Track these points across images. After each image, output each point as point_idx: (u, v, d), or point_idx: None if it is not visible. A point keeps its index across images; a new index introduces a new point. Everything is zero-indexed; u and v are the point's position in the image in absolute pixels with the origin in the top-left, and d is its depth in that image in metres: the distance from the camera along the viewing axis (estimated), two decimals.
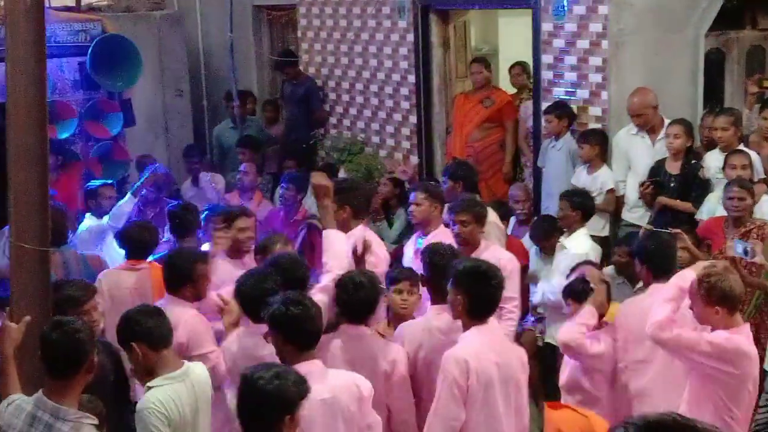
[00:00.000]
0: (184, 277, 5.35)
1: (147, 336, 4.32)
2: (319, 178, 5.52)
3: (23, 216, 4.47)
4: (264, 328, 4.53)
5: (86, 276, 6.25)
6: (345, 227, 5.81)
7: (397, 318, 5.47)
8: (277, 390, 3.67)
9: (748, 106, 8.34)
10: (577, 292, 5.62)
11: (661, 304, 4.79)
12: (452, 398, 4.50)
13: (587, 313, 5.41)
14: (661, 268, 5.40)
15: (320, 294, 5.00)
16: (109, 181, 8.08)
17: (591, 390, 5.43)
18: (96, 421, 3.99)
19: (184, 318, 5.17)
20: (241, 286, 5.01)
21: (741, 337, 4.66)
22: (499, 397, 4.60)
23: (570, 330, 5.38)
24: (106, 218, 7.44)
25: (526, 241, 7.38)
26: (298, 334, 4.30)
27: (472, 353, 4.55)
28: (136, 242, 6.33)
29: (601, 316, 5.55)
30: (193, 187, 9.52)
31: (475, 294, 4.63)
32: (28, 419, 3.93)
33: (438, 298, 5.16)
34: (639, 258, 5.63)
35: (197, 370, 4.48)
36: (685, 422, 1.85)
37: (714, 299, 4.64)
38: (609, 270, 6.76)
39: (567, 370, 5.56)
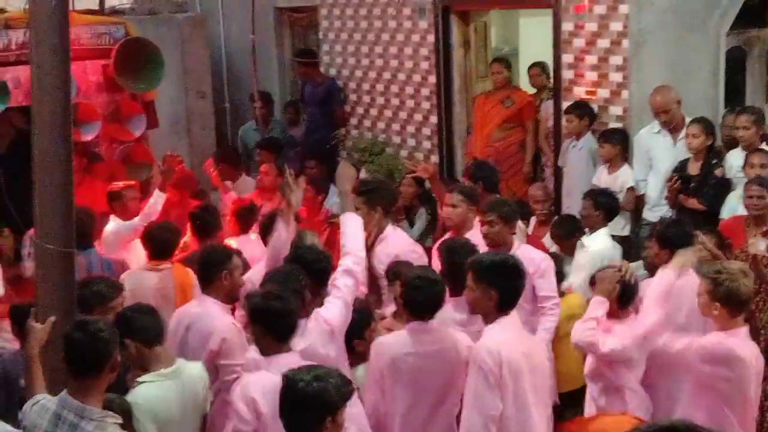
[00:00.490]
0: (219, 266, 5.30)
1: (140, 333, 4.41)
2: (346, 168, 5.58)
3: (48, 217, 4.53)
4: None
5: None
6: (379, 228, 5.87)
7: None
8: (317, 392, 3.71)
9: None
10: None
11: (651, 309, 4.81)
12: (488, 388, 4.50)
13: (595, 304, 5.32)
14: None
15: (344, 277, 5.08)
16: (132, 183, 8.13)
17: (612, 378, 5.41)
18: (120, 420, 4.04)
19: (221, 326, 5.17)
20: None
21: (735, 339, 4.67)
22: (528, 388, 4.62)
23: (579, 330, 5.29)
24: (137, 219, 7.47)
25: (547, 240, 7.38)
26: (277, 327, 4.49)
27: (503, 343, 4.57)
28: (158, 242, 6.37)
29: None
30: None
31: (506, 288, 4.64)
32: (53, 419, 3.97)
33: (457, 291, 5.20)
34: (659, 242, 5.67)
35: (191, 369, 4.55)
36: (696, 429, 1.81)
37: (718, 297, 4.68)
38: (637, 265, 6.71)
39: (589, 358, 5.51)
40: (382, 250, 6.11)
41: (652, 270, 6.56)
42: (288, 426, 3.81)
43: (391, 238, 6.20)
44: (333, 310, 4.96)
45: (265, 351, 4.49)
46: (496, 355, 4.50)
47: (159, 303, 6.13)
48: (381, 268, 6.01)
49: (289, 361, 4.30)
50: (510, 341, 4.61)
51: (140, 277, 6.29)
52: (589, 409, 5.38)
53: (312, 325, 4.87)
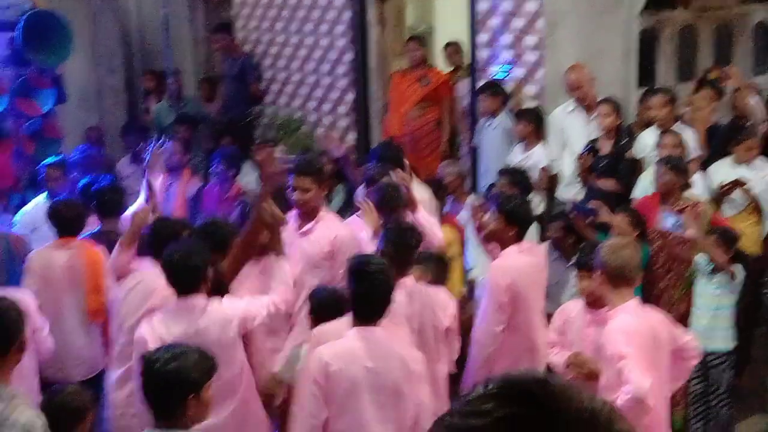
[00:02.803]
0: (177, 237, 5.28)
1: None
2: (269, 209, 5.32)
3: None
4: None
5: (6, 256, 6.17)
6: (317, 209, 5.75)
7: None
8: (176, 371, 3.69)
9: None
10: None
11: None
12: (313, 397, 4.32)
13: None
14: (525, 228, 5.57)
15: (262, 306, 5.00)
16: (56, 161, 7.83)
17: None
18: (27, 401, 3.94)
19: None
20: (168, 258, 4.88)
21: (627, 317, 4.55)
22: (369, 404, 4.42)
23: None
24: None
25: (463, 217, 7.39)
26: None
27: (338, 355, 4.36)
28: (63, 219, 6.20)
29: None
30: (131, 164, 9.29)
31: (356, 296, 4.43)
32: None
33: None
34: (507, 219, 5.49)
35: None
36: (540, 379, 1.66)
37: (607, 271, 4.61)
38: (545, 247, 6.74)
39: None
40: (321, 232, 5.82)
41: (558, 248, 6.66)
42: (150, 407, 3.78)
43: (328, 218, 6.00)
44: (244, 306, 4.92)
45: None
46: (324, 366, 4.27)
47: (68, 281, 6.02)
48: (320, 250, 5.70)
49: None
50: (353, 353, 4.32)
51: (49, 255, 6.12)
52: None
53: (213, 308, 4.82)
